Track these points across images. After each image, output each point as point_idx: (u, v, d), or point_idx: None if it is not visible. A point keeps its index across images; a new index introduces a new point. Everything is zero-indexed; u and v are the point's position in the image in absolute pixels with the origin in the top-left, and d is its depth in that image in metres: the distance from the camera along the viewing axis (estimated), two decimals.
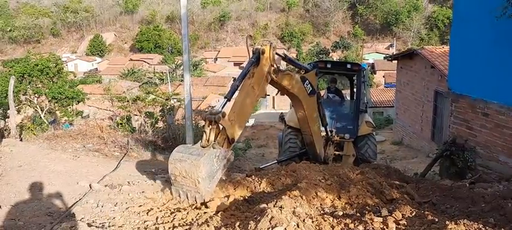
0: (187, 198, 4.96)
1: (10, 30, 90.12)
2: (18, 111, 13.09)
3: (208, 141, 5.05)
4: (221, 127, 5.11)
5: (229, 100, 5.51)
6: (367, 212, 4.03)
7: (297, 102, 7.29)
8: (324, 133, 8.49)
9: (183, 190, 4.98)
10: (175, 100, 18.70)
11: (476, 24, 8.55)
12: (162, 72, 54.24)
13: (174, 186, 5.06)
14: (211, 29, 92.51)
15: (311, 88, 7.27)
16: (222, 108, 5.34)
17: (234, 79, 5.79)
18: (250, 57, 5.84)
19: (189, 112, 10.17)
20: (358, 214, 4.06)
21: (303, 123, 7.83)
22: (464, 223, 3.53)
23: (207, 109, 20.22)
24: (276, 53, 6.32)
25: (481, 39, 8.44)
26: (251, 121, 35.81)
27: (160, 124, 13.64)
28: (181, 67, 44.10)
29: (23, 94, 13.60)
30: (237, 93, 5.74)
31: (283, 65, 15.26)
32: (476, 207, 4.68)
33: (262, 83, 5.89)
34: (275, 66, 6.00)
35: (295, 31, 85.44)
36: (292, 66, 7.86)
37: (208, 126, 5.03)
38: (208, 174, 4.79)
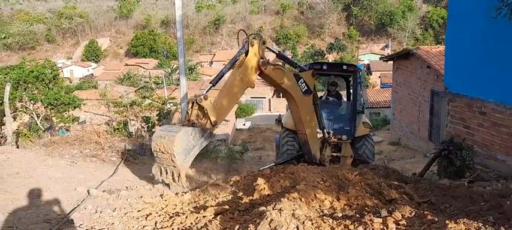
0: (166, 173, 5.33)
1: (4, 37, 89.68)
2: (14, 118, 13.01)
3: (188, 120, 5.51)
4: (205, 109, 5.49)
5: (214, 85, 5.91)
6: (366, 213, 4.02)
7: (289, 99, 7.43)
8: (320, 135, 8.49)
9: (163, 166, 5.33)
10: (171, 104, 18.67)
11: (471, 23, 8.57)
12: (158, 77, 54.09)
13: (156, 163, 5.42)
14: (206, 32, 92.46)
15: (306, 88, 7.33)
16: (207, 92, 5.68)
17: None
18: (240, 48, 6.23)
19: (185, 116, 10.15)
20: (357, 215, 4.06)
21: (297, 122, 7.90)
22: (463, 222, 3.53)
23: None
24: (270, 49, 6.55)
25: (477, 38, 8.47)
26: (248, 124, 35.80)
27: (157, 128, 13.59)
28: (177, 71, 44.08)
29: (19, 101, 13.52)
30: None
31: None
32: (475, 206, 4.69)
33: (249, 74, 6.19)
34: (263, 58, 6.29)
35: (290, 33, 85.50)
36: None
37: (191, 108, 5.50)
38: (183, 149, 5.13)
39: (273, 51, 7.20)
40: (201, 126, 5.56)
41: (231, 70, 6.21)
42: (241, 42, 6.30)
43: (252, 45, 6.15)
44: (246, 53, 6.17)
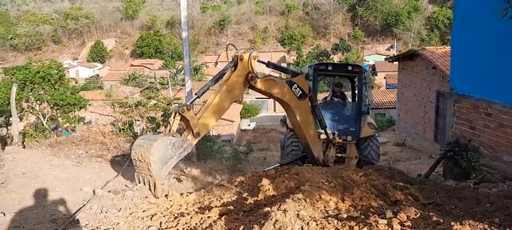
0: (144, 182, 5.37)
1: (11, 38, 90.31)
2: (21, 118, 13.09)
3: (169, 130, 5.55)
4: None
5: (199, 97, 6.01)
6: (371, 214, 4.02)
7: (285, 106, 7.46)
8: (324, 136, 8.48)
9: (141, 175, 5.39)
10: (176, 104, 18.69)
11: (477, 23, 8.53)
12: (163, 77, 54.20)
13: (136, 172, 5.49)
14: (211, 33, 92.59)
15: (301, 92, 7.33)
16: (191, 103, 5.86)
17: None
18: (229, 61, 6.25)
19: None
20: (362, 216, 4.05)
21: (296, 127, 7.93)
22: (469, 224, 3.52)
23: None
24: (259, 60, 6.60)
25: (483, 38, 8.42)
26: (252, 125, 35.79)
27: (162, 129, 13.63)
28: (182, 72, 44.14)
29: (25, 102, 13.61)
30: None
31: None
32: (481, 207, 4.67)
33: (238, 87, 6.25)
34: (252, 72, 6.30)
35: (295, 34, 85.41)
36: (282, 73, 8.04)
37: (173, 118, 5.54)
38: (160, 158, 5.16)
39: (262, 62, 7.21)
40: (183, 136, 5.61)
41: (219, 82, 6.26)
42: (231, 56, 6.34)
43: (242, 59, 6.18)
44: (235, 67, 6.20)
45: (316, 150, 8.28)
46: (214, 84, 6.20)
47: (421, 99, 16.55)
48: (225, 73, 6.24)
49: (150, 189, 5.42)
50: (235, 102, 6.56)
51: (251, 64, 6.28)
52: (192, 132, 5.63)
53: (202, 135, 5.91)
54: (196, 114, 5.73)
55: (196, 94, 6.02)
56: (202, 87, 6.05)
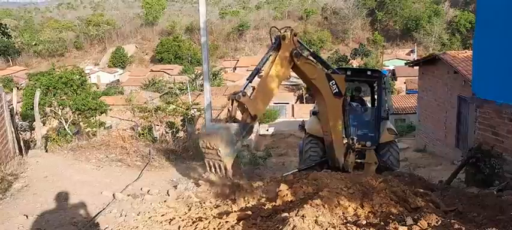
0: (214, 167, 5.72)
1: (35, 44, 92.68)
2: (44, 123, 13.39)
3: (230, 117, 5.92)
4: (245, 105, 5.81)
5: (250, 81, 6.26)
6: (391, 221, 3.95)
7: (319, 96, 7.45)
8: (345, 141, 8.41)
9: (210, 162, 5.73)
10: (195, 109, 18.84)
11: (500, 27, 8.34)
12: (182, 82, 54.74)
13: (206, 159, 5.82)
14: (230, 38, 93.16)
15: (337, 90, 7.33)
16: (244, 88, 6.05)
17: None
18: (272, 43, 6.40)
19: (209, 122, 10.23)
20: (382, 223, 3.99)
21: (324, 122, 7.87)
22: None
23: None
24: (304, 46, 6.72)
25: (506, 42, 8.24)
26: (271, 130, 35.75)
27: (181, 133, 13.74)
28: (201, 77, 44.51)
29: (48, 106, 13.91)
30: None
31: None
32: (505, 215, 4.54)
33: (284, 66, 6.37)
34: (296, 48, 6.43)
35: (314, 39, 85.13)
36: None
37: (231, 105, 5.87)
38: (226, 143, 5.48)
39: (307, 49, 7.29)
40: (242, 120, 5.90)
41: (266, 65, 6.39)
42: (273, 38, 6.43)
43: (284, 38, 6.26)
44: (279, 47, 6.30)
45: (339, 153, 8.20)
46: (262, 66, 6.36)
47: (442, 104, 16.28)
48: (270, 55, 6.38)
49: (219, 172, 5.77)
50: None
51: (295, 42, 6.42)
52: (250, 115, 5.90)
53: (259, 116, 6.25)
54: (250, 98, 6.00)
55: (247, 79, 6.28)
56: (252, 72, 6.32)
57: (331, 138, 7.90)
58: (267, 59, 6.37)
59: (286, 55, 6.33)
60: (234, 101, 5.84)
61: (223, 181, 5.89)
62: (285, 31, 6.32)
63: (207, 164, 5.87)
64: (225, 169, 5.64)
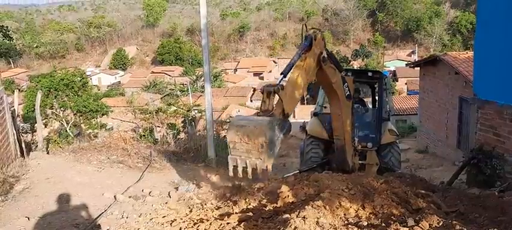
0: (246, 166, 4.78)
1: (36, 46, 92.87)
2: (45, 125, 13.41)
3: (266, 110, 5.05)
4: (278, 99, 5.14)
5: (285, 76, 5.60)
6: (392, 222, 3.95)
7: (335, 100, 7.16)
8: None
9: (241, 158, 4.79)
10: (196, 111, 18.87)
11: (501, 28, 8.35)
12: (183, 84, 54.79)
13: (232, 155, 4.88)
14: (231, 40, 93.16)
15: (348, 92, 7.25)
16: (280, 82, 5.37)
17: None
18: (303, 41, 5.95)
19: (210, 123, 10.24)
20: (383, 224, 3.99)
21: (338, 126, 7.69)
22: None
23: (228, 119, 20.46)
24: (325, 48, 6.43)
25: (507, 43, 8.24)
26: None
27: (182, 135, 13.75)
28: (202, 78, 44.52)
29: (50, 108, 13.94)
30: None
31: None
32: (506, 216, 4.54)
33: (312, 68, 5.96)
34: (324, 53, 6.14)
35: None
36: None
37: (268, 97, 5.06)
38: (271, 140, 4.68)
39: (326, 50, 7.05)
40: (279, 115, 5.20)
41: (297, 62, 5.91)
42: (303, 33, 6.07)
43: (316, 39, 5.95)
44: (309, 46, 5.92)
45: (349, 154, 8.16)
46: (296, 61, 5.84)
47: (443, 105, 16.28)
48: (303, 53, 5.93)
49: (252, 173, 4.83)
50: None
51: (324, 44, 6.16)
52: (283, 112, 5.25)
53: (290, 114, 5.55)
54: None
55: (282, 73, 5.67)
56: (286, 66, 5.73)
57: (344, 141, 7.81)
58: (300, 56, 5.89)
59: (315, 57, 6.00)
60: (271, 94, 5.07)
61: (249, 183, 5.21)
62: (314, 32, 5.98)
63: (232, 162, 4.89)
64: (264, 170, 4.78)
